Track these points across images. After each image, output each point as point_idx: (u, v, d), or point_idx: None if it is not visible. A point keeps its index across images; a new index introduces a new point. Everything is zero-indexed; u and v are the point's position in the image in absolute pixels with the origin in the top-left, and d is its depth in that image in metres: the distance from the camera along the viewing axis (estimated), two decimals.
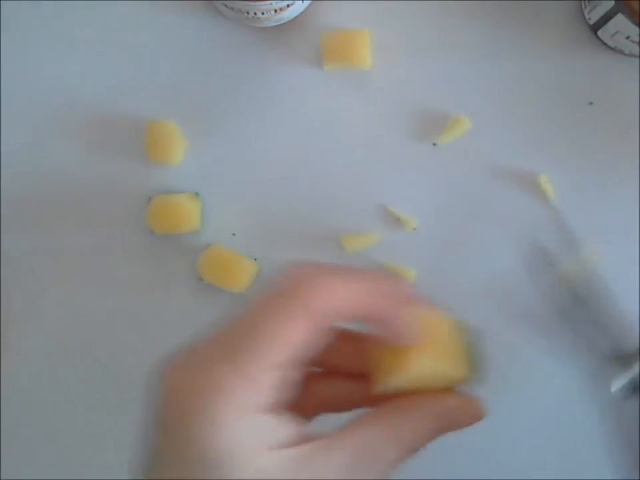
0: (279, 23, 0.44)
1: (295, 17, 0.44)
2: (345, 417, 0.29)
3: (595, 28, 0.43)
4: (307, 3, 0.44)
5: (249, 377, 0.26)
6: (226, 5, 0.42)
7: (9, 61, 0.46)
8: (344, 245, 0.44)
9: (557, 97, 0.45)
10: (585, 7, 0.44)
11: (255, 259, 0.44)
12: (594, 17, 0.43)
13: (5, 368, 0.45)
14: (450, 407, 0.29)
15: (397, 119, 0.45)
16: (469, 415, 0.29)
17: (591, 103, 0.45)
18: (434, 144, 0.45)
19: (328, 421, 0.30)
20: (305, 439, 0.27)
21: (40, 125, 0.46)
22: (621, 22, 0.40)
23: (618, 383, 0.29)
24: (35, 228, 0.45)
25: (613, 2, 0.40)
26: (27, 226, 0.46)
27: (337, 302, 0.27)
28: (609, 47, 0.44)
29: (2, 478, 0.44)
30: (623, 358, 0.29)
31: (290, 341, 0.26)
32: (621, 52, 0.44)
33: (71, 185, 0.45)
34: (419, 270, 0.44)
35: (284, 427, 0.27)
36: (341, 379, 0.32)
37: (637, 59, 0.44)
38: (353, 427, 0.27)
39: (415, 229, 0.45)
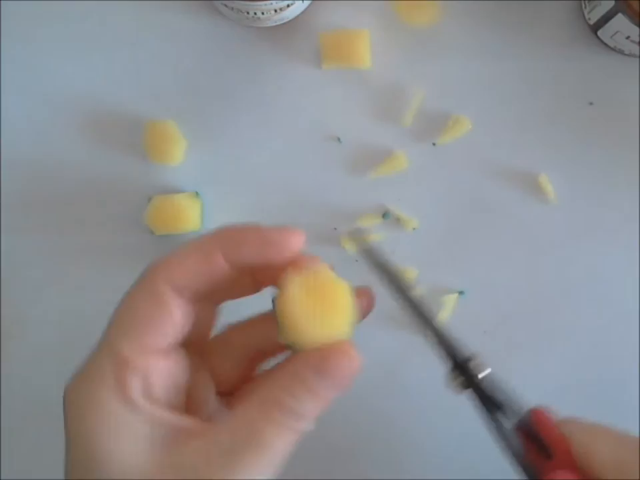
0: (278, 23, 0.44)
1: (295, 17, 0.44)
2: None
3: (595, 28, 0.44)
4: (306, 3, 0.44)
5: (126, 361, 0.26)
6: (226, 5, 0.42)
7: (9, 61, 0.46)
8: (344, 245, 0.44)
9: (557, 97, 0.45)
10: (585, 7, 0.44)
11: None
12: (594, 17, 0.43)
13: (5, 368, 0.45)
14: (323, 359, 0.27)
15: (397, 118, 0.45)
16: (340, 366, 0.27)
17: (591, 103, 0.45)
18: (434, 144, 0.45)
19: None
20: (187, 432, 0.26)
21: (40, 124, 0.46)
22: (620, 22, 0.40)
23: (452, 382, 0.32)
24: (35, 228, 0.45)
25: (613, 2, 0.40)
26: (27, 226, 0.46)
27: (178, 274, 0.28)
28: (609, 47, 0.44)
29: (2, 478, 0.44)
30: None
31: (151, 320, 0.27)
32: (620, 52, 0.44)
33: (71, 184, 0.45)
34: (419, 270, 0.44)
35: (169, 419, 0.27)
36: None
37: (637, 59, 0.44)
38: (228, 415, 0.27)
39: (414, 228, 0.45)
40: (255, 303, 0.31)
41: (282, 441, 0.26)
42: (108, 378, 0.26)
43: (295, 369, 0.27)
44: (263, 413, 0.26)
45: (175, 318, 0.28)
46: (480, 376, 0.32)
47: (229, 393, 0.31)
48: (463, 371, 0.32)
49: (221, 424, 0.27)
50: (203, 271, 0.28)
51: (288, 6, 0.42)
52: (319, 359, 0.27)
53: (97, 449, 0.26)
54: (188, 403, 0.29)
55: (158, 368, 0.27)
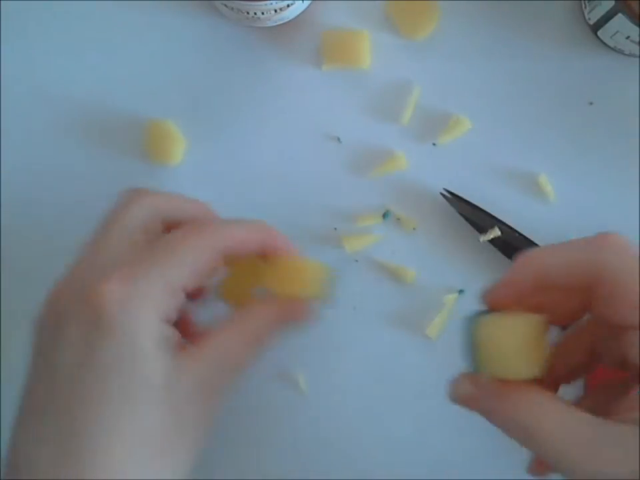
0: (278, 23, 0.44)
1: (295, 17, 0.44)
2: None
3: (595, 28, 0.44)
4: (306, 3, 0.44)
5: (170, 284, 0.32)
6: (226, 5, 0.42)
7: (9, 61, 0.46)
8: (344, 245, 0.44)
9: (557, 97, 0.45)
10: (585, 7, 0.44)
11: None
12: (594, 17, 0.43)
13: (5, 368, 0.45)
14: (287, 306, 0.36)
15: (397, 119, 0.45)
16: (299, 314, 0.36)
17: (591, 103, 0.45)
18: (434, 144, 0.45)
19: None
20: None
21: (40, 125, 0.46)
22: (621, 22, 0.40)
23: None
24: (35, 228, 0.45)
25: (613, 2, 0.40)
26: (27, 226, 0.46)
27: (236, 241, 0.35)
28: (609, 47, 0.44)
29: (2, 478, 0.44)
30: None
31: (198, 265, 0.33)
32: (620, 52, 0.44)
33: (71, 185, 0.45)
34: (419, 270, 0.44)
35: (173, 335, 0.33)
36: None
37: (637, 59, 0.44)
38: (211, 336, 0.34)
39: (414, 228, 0.45)
40: None
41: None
42: (154, 299, 0.32)
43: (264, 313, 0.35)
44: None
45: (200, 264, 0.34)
46: None
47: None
48: None
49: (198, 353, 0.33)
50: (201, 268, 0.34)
51: (288, 6, 0.42)
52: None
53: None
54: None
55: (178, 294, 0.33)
